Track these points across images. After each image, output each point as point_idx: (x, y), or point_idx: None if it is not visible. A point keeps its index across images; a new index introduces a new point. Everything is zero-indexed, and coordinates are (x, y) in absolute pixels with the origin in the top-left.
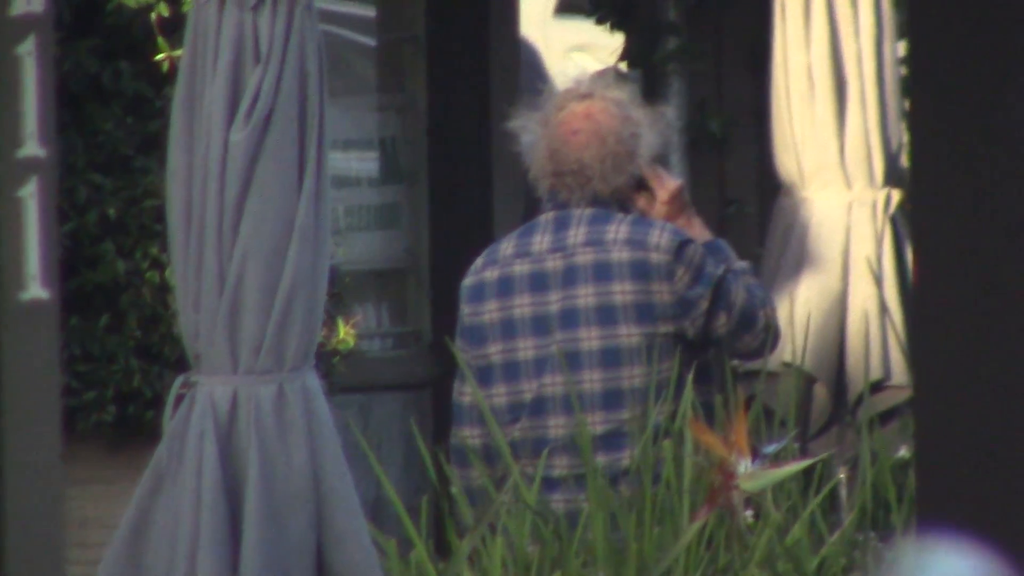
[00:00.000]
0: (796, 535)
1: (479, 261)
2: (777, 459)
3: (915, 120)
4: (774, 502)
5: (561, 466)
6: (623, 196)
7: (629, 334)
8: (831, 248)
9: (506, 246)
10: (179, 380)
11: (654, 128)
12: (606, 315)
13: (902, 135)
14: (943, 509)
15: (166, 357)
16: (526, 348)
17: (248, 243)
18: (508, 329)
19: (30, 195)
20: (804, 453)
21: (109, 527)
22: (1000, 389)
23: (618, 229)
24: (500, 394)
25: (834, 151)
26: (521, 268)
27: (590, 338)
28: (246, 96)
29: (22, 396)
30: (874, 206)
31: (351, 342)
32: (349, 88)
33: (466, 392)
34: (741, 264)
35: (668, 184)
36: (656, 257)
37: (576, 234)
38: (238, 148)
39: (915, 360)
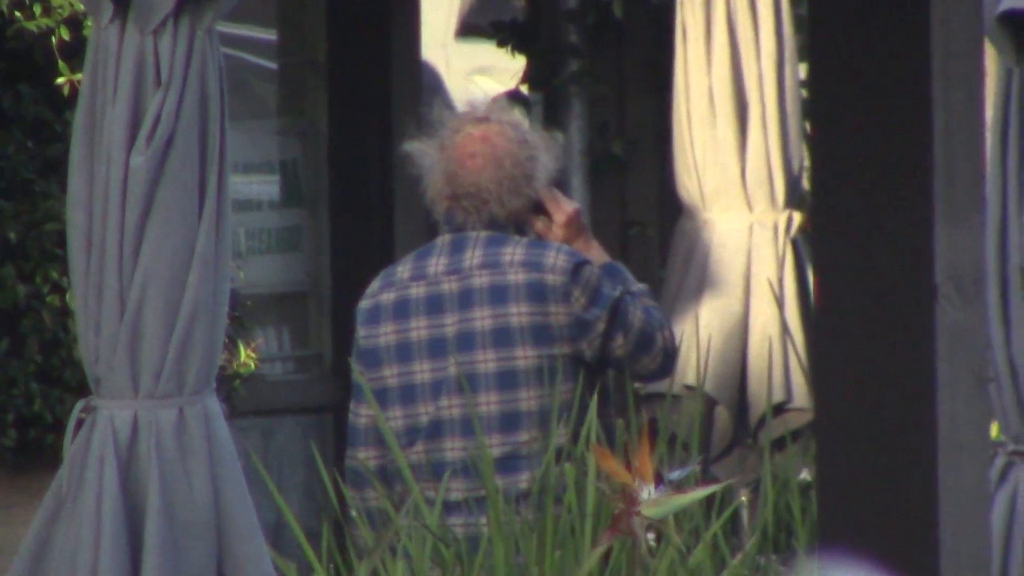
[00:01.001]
0: (698, 558)
1: (375, 284)
2: (680, 484)
3: (816, 142)
4: (676, 525)
5: (459, 489)
6: (520, 219)
7: (526, 356)
8: (732, 270)
9: (402, 269)
10: (79, 404)
11: (550, 151)
12: (503, 337)
13: (803, 157)
14: (844, 531)
15: (67, 381)
16: (423, 371)
17: (149, 267)
18: (404, 352)
19: None
20: (706, 476)
21: (8, 552)
22: (900, 412)
23: (514, 251)
24: (396, 417)
25: (735, 173)
26: (417, 291)
27: (486, 360)
28: (147, 120)
29: None
30: (775, 228)
31: (252, 366)
32: (250, 112)
33: (362, 413)
34: (639, 286)
35: (565, 207)
36: (552, 279)
37: (472, 256)
38: (139, 172)
39: (816, 382)
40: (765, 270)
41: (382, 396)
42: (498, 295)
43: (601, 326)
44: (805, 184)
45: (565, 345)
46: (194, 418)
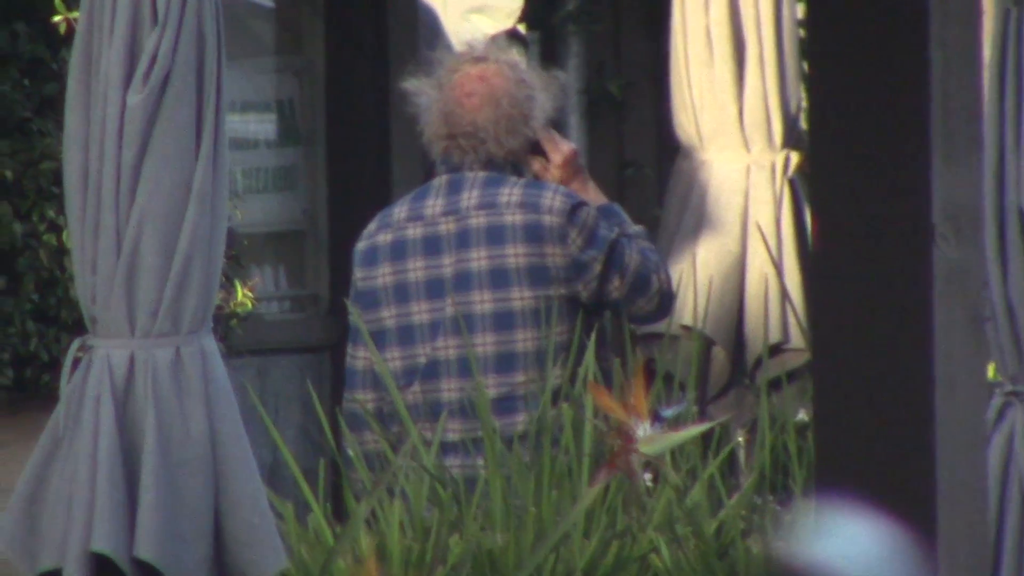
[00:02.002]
0: (695, 498)
1: (372, 225)
2: (676, 423)
3: (813, 82)
4: (673, 465)
5: (456, 430)
6: (517, 159)
7: (522, 297)
8: (730, 210)
9: (399, 210)
10: (76, 343)
11: (548, 91)
12: (499, 278)
13: (801, 98)
14: (841, 472)
15: (63, 320)
16: (420, 312)
17: (145, 206)
18: (401, 293)
19: None
20: (703, 416)
21: (5, 491)
22: (896, 352)
23: (511, 192)
24: (395, 358)
25: (733, 113)
26: (414, 232)
27: (483, 301)
28: (143, 59)
29: None
30: (773, 169)
31: (249, 305)
32: (247, 50)
33: (359, 356)
34: (636, 228)
35: (562, 148)
36: (549, 220)
37: (469, 197)
38: (135, 111)
39: (812, 322)
40: (762, 210)
41: (380, 337)
42: (495, 236)
43: (597, 267)
44: (803, 124)
45: (561, 286)
46: (190, 357)
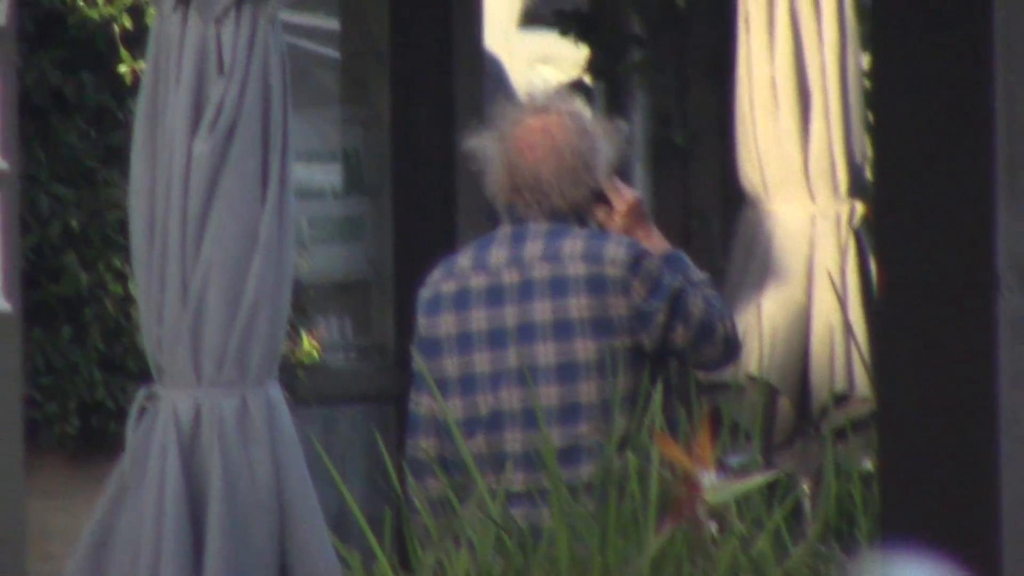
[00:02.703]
0: (760, 547)
1: (436, 273)
2: (742, 472)
3: (878, 132)
4: (738, 514)
5: (520, 481)
6: (581, 210)
7: (586, 348)
8: (795, 260)
9: (463, 259)
10: (142, 392)
11: (611, 141)
12: (562, 330)
13: (866, 147)
14: (906, 522)
15: (129, 369)
16: (482, 362)
17: (211, 255)
18: (464, 343)
19: None
20: (769, 466)
21: (71, 539)
22: (961, 402)
23: (575, 243)
24: (456, 407)
25: (798, 163)
26: (478, 281)
27: (547, 353)
28: (209, 108)
29: None
30: (838, 219)
31: (315, 355)
32: (313, 100)
33: (422, 402)
34: (700, 275)
35: (626, 196)
36: (612, 271)
37: (533, 248)
38: (201, 160)
39: (877, 372)
40: (827, 260)
41: (442, 386)
42: (559, 288)
43: (661, 317)
44: (868, 174)
45: (626, 337)
46: (257, 406)
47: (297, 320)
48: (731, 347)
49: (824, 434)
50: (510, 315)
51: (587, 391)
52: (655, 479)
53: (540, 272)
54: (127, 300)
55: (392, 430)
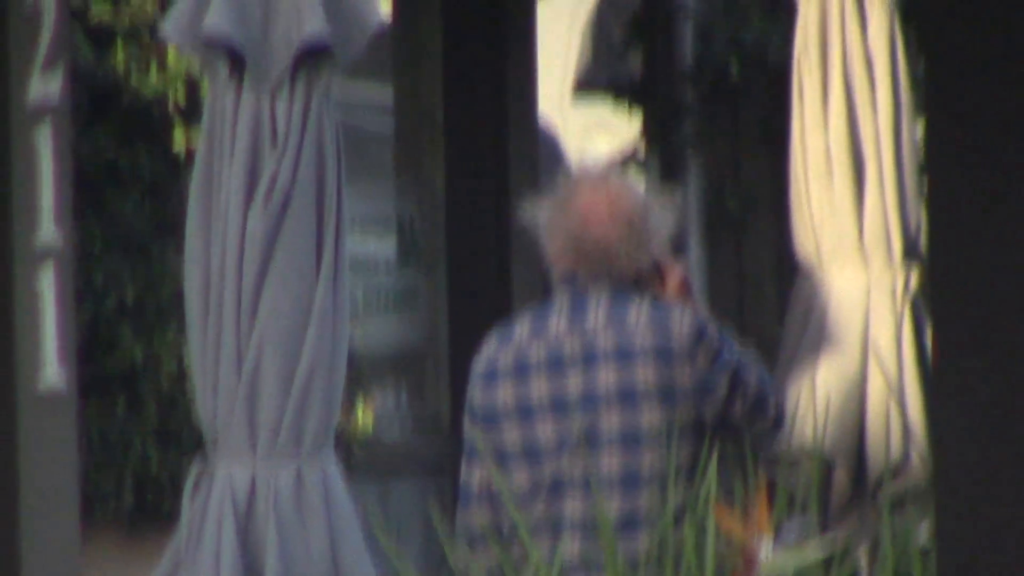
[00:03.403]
0: None
1: (490, 345)
2: (799, 544)
3: (933, 201)
4: None
5: (576, 551)
6: (643, 279)
7: (651, 418)
8: (850, 329)
9: (520, 329)
10: (197, 464)
11: (667, 213)
12: (627, 398)
13: (920, 215)
14: None
15: (184, 442)
16: (545, 431)
17: (266, 326)
18: (525, 412)
19: (47, 284)
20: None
21: None
22: (1021, 476)
23: (639, 312)
24: (520, 478)
25: (852, 232)
26: (538, 350)
27: (610, 421)
28: (263, 180)
29: (40, 483)
30: (893, 287)
31: (370, 428)
32: (368, 172)
33: (475, 474)
34: (745, 350)
35: (675, 268)
36: (678, 342)
37: (596, 317)
38: (256, 232)
39: (934, 444)
40: (883, 330)
41: (500, 456)
42: (624, 356)
43: (723, 390)
44: (922, 242)
45: (689, 408)
46: (312, 477)
47: (352, 391)
48: (780, 420)
49: (881, 505)
50: (573, 384)
51: (650, 461)
52: (712, 551)
53: (604, 341)
54: (182, 372)
55: (448, 501)
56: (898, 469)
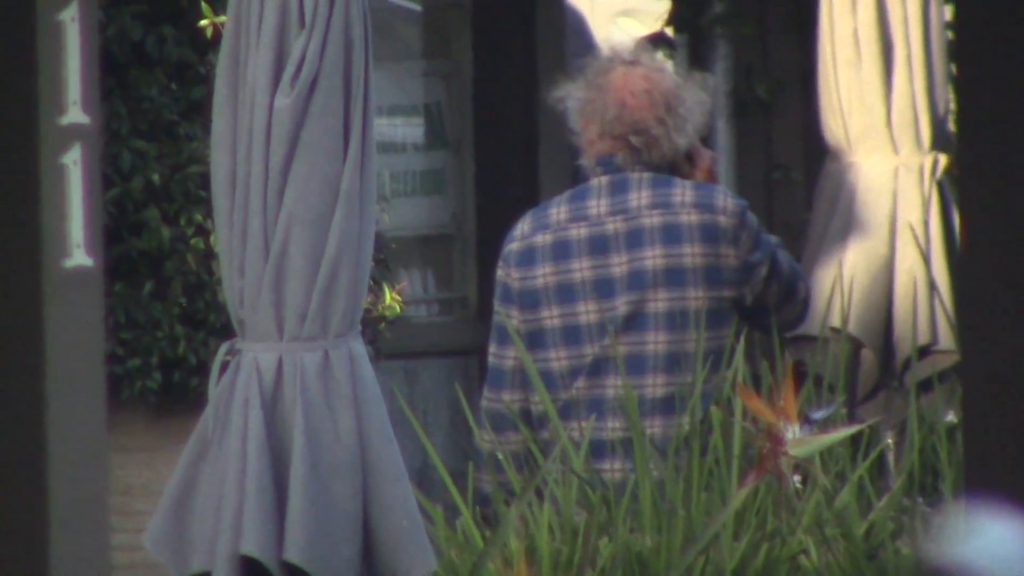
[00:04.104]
0: (844, 500)
1: (525, 226)
2: (825, 425)
3: (962, 84)
4: (822, 467)
5: (616, 429)
6: (678, 161)
7: (697, 297)
8: (878, 213)
9: (556, 211)
10: (224, 347)
11: (702, 95)
12: (674, 277)
13: (949, 99)
14: (991, 475)
15: (211, 324)
16: (588, 312)
17: (293, 209)
18: (567, 293)
19: (74, 162)
20: (852, 419)
21: (153, 495)
22: None
23: (683, 192)
24: (560, 358)
25: (881, 116)
26: (578, 232)
27: (656, 300)
28: (291, 62)
29: (66, 363)
30: (921, 171)
31: (397, 308)
32: (395, 54)
33: (508, 356)
34: (772, 236)
35: (705, 153)
36: (724, 221)
37: (639, 197)
38: (283, 114)
39: (961, 324)
40: (910, 212)
41: (539, 337)
42: (671, 235)
43: (763, 271)
44: (951, 126)
45: (732, 288)
46: (339, 360)
47: (379, 274)
48: (806, 307)
49: (908, 386)
50: (615, 264)
51: (694, 340)
52: (738, 433)
53: (651, 220)
54: (209, 255)
55: (474, 383)
56: (925, 351)
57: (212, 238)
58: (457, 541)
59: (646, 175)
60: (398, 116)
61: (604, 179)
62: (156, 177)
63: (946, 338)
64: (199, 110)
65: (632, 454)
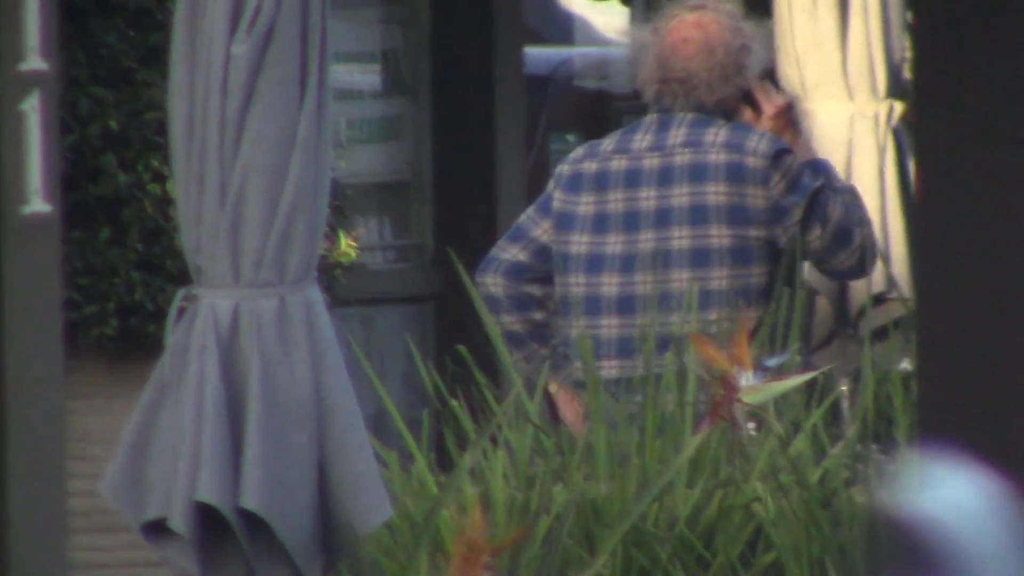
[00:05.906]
0: (798, 447)
1: (579, 151)
2: (780, 372)
3: (918, 32)
4: (776, 415)
5: (615, 367)
6: (728, 107)
7: (720, 235)
8: (834, 160)
9: (608, 142)
10: (180, 293)
11: (764, 43)
12: (698, 215)
13: (905, 47)
14: (944, 422)
15: (168, 270)
16: (615, 243)
17: (250, 156)
18: (600, 223)
19: (32, 108)
20: (807, 366)
21: (110, 441)
22: (1001, 301)
23: (717, 132)
24: (579, 284)
25: (836, 63)
26: (618, 164)
27: (680, 237)
28: (247, 9)
29: (23, 309)
30: (876, 118)
31: (353, 255)
32: (352, 1)
33: (509, 250)
34: (844, 184)
35: (775, 100)
36: (752, 161)
37: (676, 135)
38: (240, 61)
39: (917, 272)
40: (866, 160)
41: (563, 259)
42: (697, 173)
43: (798, 214)
44: (906, 74)
45: (760, 228)
46: (295, 307)
47: (335, 221)
48: (868, 256)
49: (862, 334)
50: (644, 198)
51: (718, 278)
52: (692, 380)
53: (681, 158)
54: (166, 201)
55: (430, 330)
56: (880, 299)
57: (169, 184)
58: (412, 488)
59: (689, 115)
60: (355, 63)
61: (655, 116)
62: (114, 123)
63: (901, 286)
64: (157, 57)
65: (636, 391)
